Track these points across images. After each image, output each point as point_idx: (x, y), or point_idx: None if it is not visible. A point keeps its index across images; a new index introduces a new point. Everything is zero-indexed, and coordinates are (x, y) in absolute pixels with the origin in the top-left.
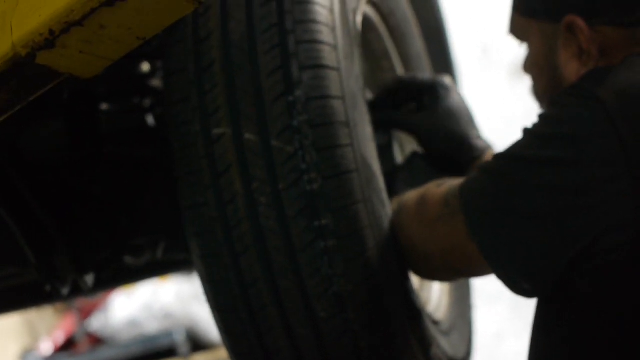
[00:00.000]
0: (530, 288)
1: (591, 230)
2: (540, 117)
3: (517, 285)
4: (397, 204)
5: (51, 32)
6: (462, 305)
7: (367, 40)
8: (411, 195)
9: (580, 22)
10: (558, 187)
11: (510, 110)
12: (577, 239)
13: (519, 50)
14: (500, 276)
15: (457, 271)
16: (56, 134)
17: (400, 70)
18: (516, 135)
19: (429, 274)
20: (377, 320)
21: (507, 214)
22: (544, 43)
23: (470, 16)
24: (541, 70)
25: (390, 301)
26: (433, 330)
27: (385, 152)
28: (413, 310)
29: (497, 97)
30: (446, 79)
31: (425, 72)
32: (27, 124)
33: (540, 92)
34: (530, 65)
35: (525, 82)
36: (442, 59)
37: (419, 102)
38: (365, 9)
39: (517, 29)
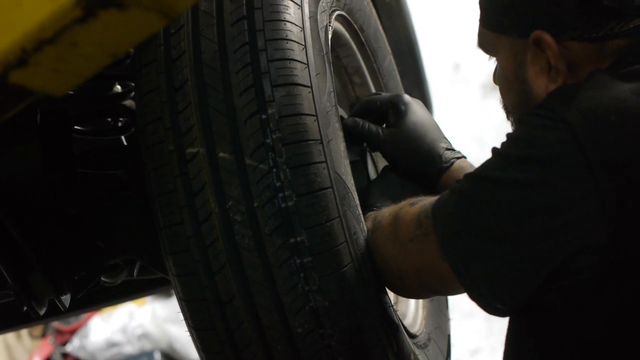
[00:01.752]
0: (503, 308)
1: (562, 251)
2: (508, 137)
3: (490, 305)
4: (372, 222)
5: (23, 50)
6: (438, 317)
7: (338, 56)
8: (385, 215)
9: (548, 38)
10: (528, 209)
11: (481, 127)
12: (548, 260)
13: (490, 67)
14: (473, 297)
15: (432, 290)
16: (30, 155)
17: (372, 85)
18: (487, 153)
19: (405, 293)
20: (354, 335)
21: (478, 236)
22: (513, 58)
23: (442, 33)
24: (510, 84)
25: (367, 316)
26: (410, 344)
27: (358, 167)
28: (390, 325)
29: (469, 114)
30: (405, 96)
31: (389, 89)
32: (1, 145)
33: (509, 106)
34: (499, 79)
35: (497, 99)
36: (414, 75)
37: (386, 122)
38: (335, 25)
39: (486, 43)
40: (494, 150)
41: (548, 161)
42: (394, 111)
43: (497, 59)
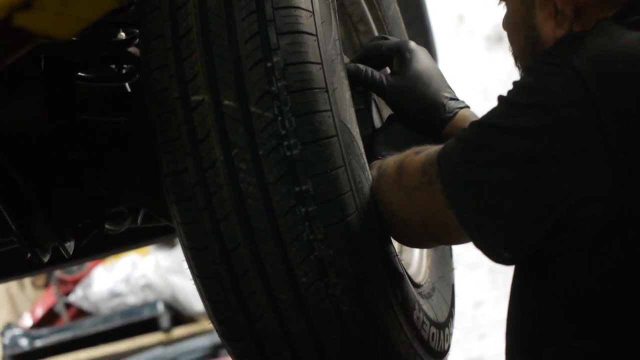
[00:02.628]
0: (509, 256)
1: (568, 199)
2: (515, 85)
3: (496, 253)
4: (377, 170)
5: None
6: (442, 267)
7: (343, 3)
8: (390, 163)
9: None
10: (533, 156)
11: (485, 79)
12: (553, 208)
13: (494, 19)
14: (479, 245)
15: (436, 239)
16: (33, 102)
17: (377, 33)
18: (492, 105)
19: (409, 241)
20: (359, 284)
21: (483, 183)
22: (522, 2)
23: None
24: (518, 28)
25: (372, 265)
26: (414, 294)
27: (363, 115)
28: (394, 275)
29: (473, 66)
30: (411, 43)
31: (392, 37)
32: (4, 92)
33: (517, 51)
34: (508, 24)
35: (502, 50)
36: (418, 24)
37: (390, 68)
38: None
39: None
40: (500, 97)
41: (555, 108)
42: (399, 58)
43: (507, 3)
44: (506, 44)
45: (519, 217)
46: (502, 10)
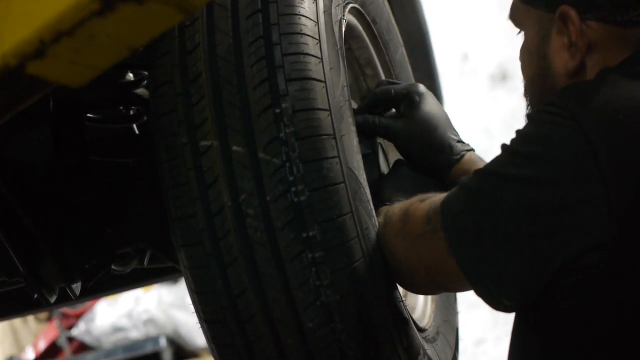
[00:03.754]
0: (510, 304)
1: (569, 250)
2: (518, 134)
3: (497, 301)
4: (383, 217)
5: (41, 42)
6: (447, 310)
7: (350, 48)
8: (395, 210)
9: (572, 14)
10: (536, 207)
11: (489, 118)
12: (555, 258)
13: (498, 58)
14: (479, 293)
15: (440, 286)
16: (42, 142)
17: (384, 77)
18: (495, 144)
19: (414, 288)
20: (364, 330)
21: (485, 232)
22: (538, 31)
23: (451, 23)
24: (531, 57)
25: (377, 311)
26: (419, 338)
27: (369, 160)
28: (400, 320)
29: (477, 105)
30: (420, 86)
31: (401, 81)
32: (13, 132)
33: (527, 82)
34: (522, 53)
35: (505, 89)
36: (425, 67)
37: (397, 110)
38: (349, 17)
39: (516, 14)
40: (503, 146)
41: (557, 159)
42: (408, 101)
43: (524, 32)
44: (510, 82)
45: (520, 265)
46: (510, 46)
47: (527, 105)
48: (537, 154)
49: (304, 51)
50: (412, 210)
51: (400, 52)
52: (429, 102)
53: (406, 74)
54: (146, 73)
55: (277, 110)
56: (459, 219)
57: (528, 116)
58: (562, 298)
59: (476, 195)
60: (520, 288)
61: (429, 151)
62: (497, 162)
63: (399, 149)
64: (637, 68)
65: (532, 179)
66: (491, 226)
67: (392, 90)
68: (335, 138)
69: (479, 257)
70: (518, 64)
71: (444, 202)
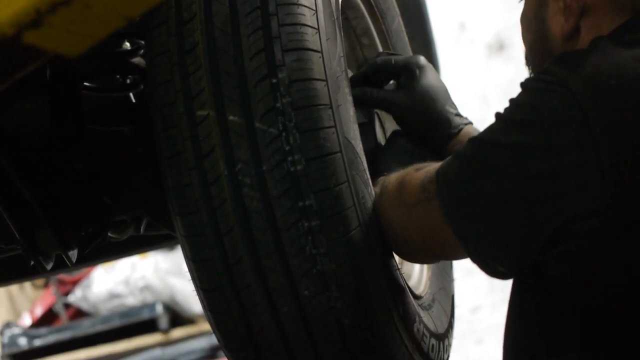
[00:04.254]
0: (505, 270)
1: (562, 215)
2: (511, 102)
3: (492, 268)
4: (380, 187)
5: (38, 11)
6: (442, 278)
7: (347, 17)
8: (392, 179)
9: None
10: (528, 173)
11: (485, 86)
12: (548, 223)
13: (495, 27)
14: (475, 259)
15: (436, 255)
16: (39, 111)
17: (380, 47)
18: (492, 113)
19: (410, 257)
20: (360, 298)
21: (479, 199)
22: None
23: None
24: (530, 23)
25: (373, 279)
26: (415, 306)
27: (366, 129)
28: (396, 288)
29: (473, 74)
30: (420, 58)
31: (397, 50)
32: (10, 101)
33: (528, 49)
34: (522, 19)
35: (501, 59)
36: (421, 37)
37: (396, 82)
38: None
39: None
40: (497, 114)
41: (549, 125)
42: (407, 73)
43: (524, 0)
44: (506, 52)
45: (514, 231)
46: (507, 15)
47: (530, 75)
48: (530, 121)
49: (301, 22)
50: (407, 179)
51: (397, 22)
52: (428, 75)
53: (403, 44)
54: (143, 42)
55: (274, 81)
56: (453, 186)
57: (521, 84)
58: (555, 265)
59: (470, 163)
60: (514, 254)
61: (428, 124)
62: (490, 130)
63: (397, 121)
64: (630, 36)
65: (525, 145)
66: (484, 193)
67: (393, 61)
68: (331, 108)
69: (473, 223)
70: (515, 33)
71: (439, 170)
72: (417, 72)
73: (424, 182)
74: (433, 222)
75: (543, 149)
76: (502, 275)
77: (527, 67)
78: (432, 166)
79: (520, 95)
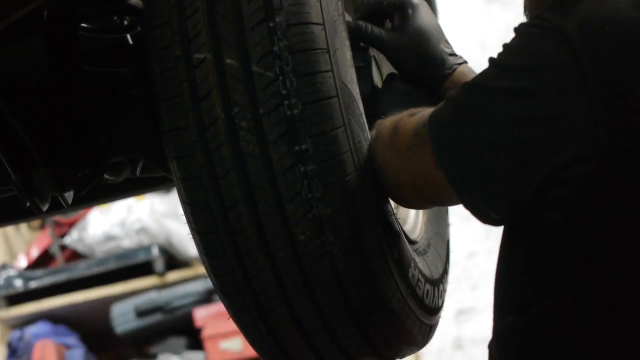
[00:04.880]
0: (498, 217)
1: (554, 160)
2: (505, 47)
3: (484, 214)
4: (375, 130)
5: None
6: (438, 223)
7: None
8: (387, 124)
9: None
10: (521, 117)
11: (484, 31)
12: (540, 168)
13: None
14: (467, 205)
15: (428, 200)
16: (36, 52)
17: None
18: (489, 57)
19: (402, 202)
20: (355, 242)
21: (471, 143)
22: None
23: None
24: None
25: (369, 224)
26: (410, 251)
27: (363, 73)
28: (391, 233)
29: (472, 19)
30: None
31: None
32: (7, 43)
33: None
34: None
35: (500, 4)
36: None
37: (390, 22)
38: None
39: None
40: (491, 59)
41: (542, 70)
42: (400, 13)
43: None
44: None
45: (506, 176)
46: None
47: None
48: (523, 65)
49: None
50: (401, 124)
51: None
52: (422, 14)
53: None
54: None
55: (271, 24)
56: (446, 130)
57: (515, 30)
58: (546, 211)
59: (463, 107)
60: (505, 200)
61: (422, 64)
62: (483, 75)
63: (392, 61)
64: None
65: (518, 90)
66: (477, 137)
67: (385, 1)
68: (328, 52)
69: (465, 168)
70: None
71: (432, 114)
72: (410, 11)
73: (417, 127)
74: (425, 166)
75: (536, 94)
76: (493, 222)
77: (524, 15)
78: (426, 111)
79: (513, 40)
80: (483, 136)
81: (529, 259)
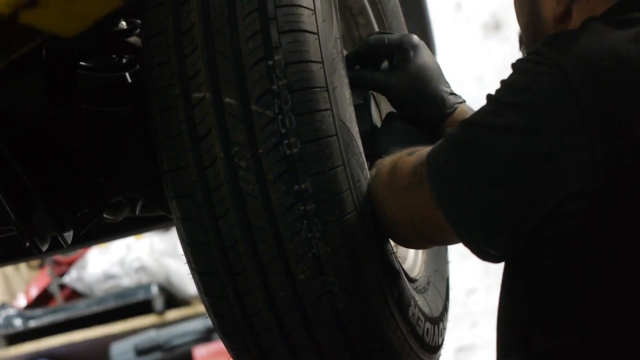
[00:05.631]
0: (497, 254)
1: (553, 197)
2: (502, 83)
3: (483, 251)
4: (375, 169)
5: None
6: (437, 260)
7: None
8: (385, 163)
9: None
10: (519, 154)
11: (482, 67)
12: (539, 205)
13: (491, 6)
14: (466, 243)
15: (427, 239)
16: (35, 91)
17: (376, 26)
18: (486, 92)
19: (401, 242)
20: (355, 282)
21: (471, 181)
22: None
23: None
24: (522, 5)
25: (369, 263)
26: (410, 289)
27: (362, 111)
28: (391, 272)
29: (469, 54)
30: (414, 37)
31: (393, 30)
32: (6, 81)
33: (522, 32)
34: (516, 3)
35: (498, 39)
36: (417, 15)
37: (389, 62)
38: None
39: None
40: (488, 96)
41: (541, 107)
42: (401, 53)
43: None
44: (503, 32)
45: (505, 213)
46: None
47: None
48: (521, 102)
49: (297, 3)
50: (400, 163)
51: (393, 1)
52: (422, 54)
53: (399, 23)
54: (139, 21)
55: (270, 63)
56: (445, 168)
57: (512, 65)
58: (546, 247)
59: (461, 145)
60: (505, 237)
61: (422, 104)
62: (481, 113)
63: (392, 102)
64: (621, 16)
65: (517, 127)
66: (476, 175)
67: (386, 40)
68: (327, 90)
69: (464, 206)
70: (511, 13)
71: (430, 153)
72: (411, 52)
73: (415, 166)
74: (424, 206)
75: (534, 131)
76: (494, 259)
77: (520, 50)
78: (425, 149)
79: (511, 76)
80: (482, 174)
81: (531, 296)
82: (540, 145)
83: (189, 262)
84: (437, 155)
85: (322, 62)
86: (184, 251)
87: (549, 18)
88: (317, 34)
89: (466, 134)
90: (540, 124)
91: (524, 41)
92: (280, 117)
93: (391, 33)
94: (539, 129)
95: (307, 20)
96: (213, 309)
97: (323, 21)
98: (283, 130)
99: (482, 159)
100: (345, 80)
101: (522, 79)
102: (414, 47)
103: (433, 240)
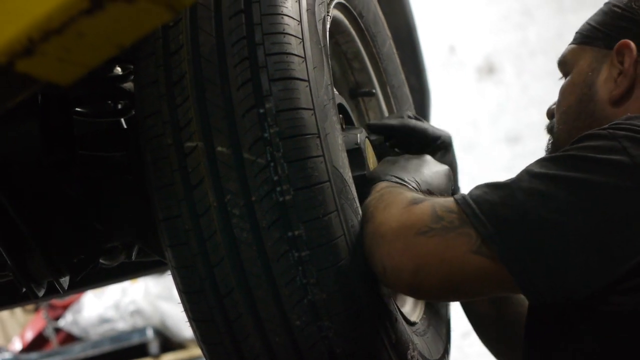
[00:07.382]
0: (551, 302)
1: (634, 258)
2: (583, 142)
3: (541, 299)
4: (365, 208)
5: (30, 40)
6: (438, 303)
7: (337, 42)
8: (378, 206)
9: (632, 45)
10: (609, 212)
11: (476, 111)
12: (621, 263)
13: (485, 50)
14: (524, 289)
15: (432, 287)
16: (30, 137)
17: (371, 70)
18: (481, 137)
19: (396, 287)
20: (352, 327)
21: (554, 233)
22: (590, 64)
23: (438, 15)
24: (574, 87)
25: (365, 308)
26: (409, 333)
27: (356, 156)
28: (387, 316)
29: (464, 97)
30: (450, 137)
31: (391, 74)
32: (1, 127)
33: (562, 112)
34: (564, 86)
35: (492, 82)
36: (411, 60)
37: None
38: (334, 12)
39: (569, 57)
40: (564, 152)
41: (631, 167)
42: (442, 148)
43: (573, 70)
44: (496, 75)
45: (584, 266)
46: (497, 39)
47: (550, 140)
48: (611, 161)
49: (287, 51)
50: (409, 209)
51: (388, 45)
52: (453, 153)
53: (394, 67)
54: (133, 67)
55: (261, 111)
56: (521, 221)
57: (587, 135)
58: (619, 301)
59: (542, 198)
60: (573, 288)
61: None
62: (562, 167)
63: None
64: None
65: (606, 185)
66: (560, 229)
67: (428, 131)
68: (319, 137)
69: (532, 253)
70: (504, 57)
71: (479, 199)
72: (450, 149)
73: (435, 211)
74: (452, 252)
75: (625, 190)
76: (545, 307)
77: (548, 134)
78: (440, 198)
79: (591, 140)
80: (568, 228)
81: (590, 347)
82: (629, 205)
83: (185, 310)
84: (501, 205)
85: (314, 109)
86: (180, 299)
87: (605, 98)
88: (308, 81)
89: (547, 186)
90: (631, 184)
91: (560, 120)
92: (272, 164)
93: (433, 126)
94: (629, 188)
95: (298, 68)
96: (211, 356)
97: (314, 68)
98: (275, 178)
99: (568, 212)
100: (337, 127)
101: (607, 142)
102: (451, 146)
103: (443, 287)
